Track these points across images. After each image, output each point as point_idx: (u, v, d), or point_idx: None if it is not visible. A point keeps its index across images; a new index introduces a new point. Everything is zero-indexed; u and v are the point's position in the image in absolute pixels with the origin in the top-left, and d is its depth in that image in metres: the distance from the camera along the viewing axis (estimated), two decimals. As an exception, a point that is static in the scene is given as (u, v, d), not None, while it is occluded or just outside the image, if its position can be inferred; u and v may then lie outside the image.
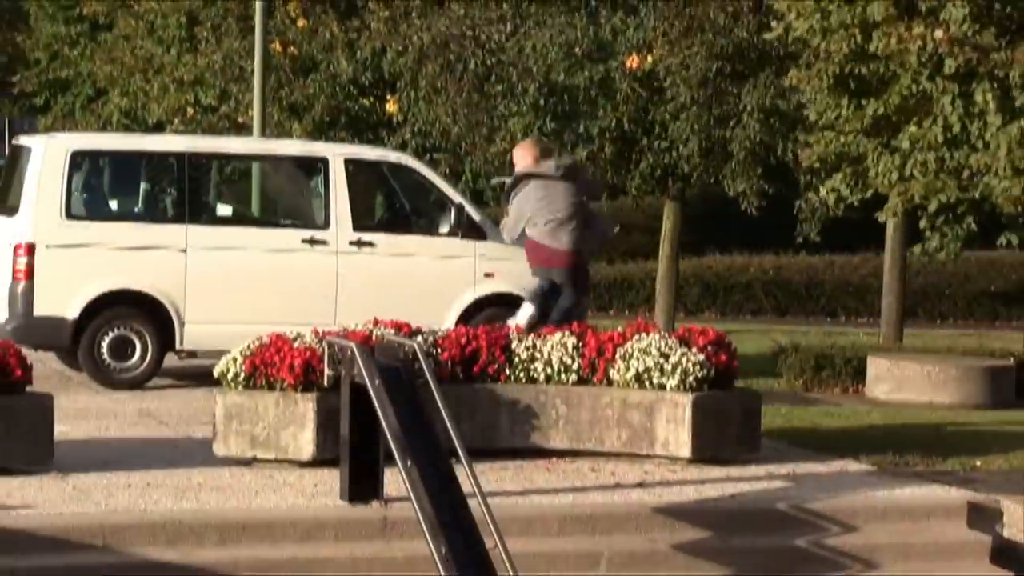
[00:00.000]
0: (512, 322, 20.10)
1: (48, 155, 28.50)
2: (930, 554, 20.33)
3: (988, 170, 25.46)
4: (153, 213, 29.08)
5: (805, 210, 35.03)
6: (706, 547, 19.85)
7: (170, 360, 27.59)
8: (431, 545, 16.83)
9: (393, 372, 19.38)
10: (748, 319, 36.56)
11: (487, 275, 27.66)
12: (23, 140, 31.40)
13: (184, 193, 29.55)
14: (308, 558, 18.88)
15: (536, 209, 20.63)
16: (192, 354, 26.74)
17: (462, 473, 17.92)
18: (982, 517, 20.68)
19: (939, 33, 25.22)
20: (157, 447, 22.55)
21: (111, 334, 27.50)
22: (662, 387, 22.26)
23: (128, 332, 27.50)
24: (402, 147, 36.01)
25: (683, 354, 22.46)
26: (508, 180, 20.84)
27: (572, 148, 37.95)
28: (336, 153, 29.59)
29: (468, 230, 28.17)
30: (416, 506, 17.42)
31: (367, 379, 19.21)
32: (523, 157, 19.29)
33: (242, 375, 21.88)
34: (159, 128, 54.17)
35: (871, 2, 25.96)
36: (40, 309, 27.17)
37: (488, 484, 18.17)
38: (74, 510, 19.46)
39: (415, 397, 19.03)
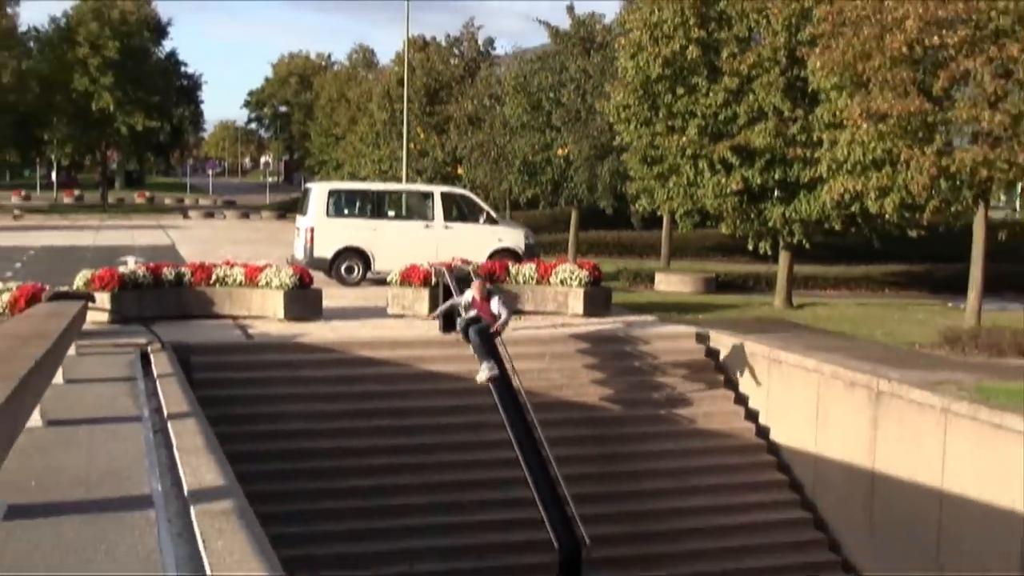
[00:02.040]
0: (479, 377, 16.42)
1: (318, 190, 28.56)
2: (680, 353, 20.35)
3: (705, 196, 25.40)
4: (363, 214, 28.81)
5: (635, 216, 34.91)
6: (589, 350, 19.92)
7: (369, 276, 27.59)
8: (475, 349, 16.95)
9: (462, 279, 19.50)
10: (607, 258, 36.27)
11: (499, 240, 27.66)
12: (309, 184, 31.44)
13: (375, 206, 29.59)
14: (425, 355, 19.03)
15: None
16: (378, 273, 26.69)
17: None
18: (701, 338, 20.74)
19: (684, 139, 25.14)
20: (365, 310, 22.53)
21: (345, 264, 27.51)
22: (571, 285, 22.33)
23: (352, 263, 27.51)
24: (464, 187, 35.85)
25: (579, 272, 22.53)
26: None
27: (534, 186, 38.04)
28: (437, 190, 29.62)
29: (490, 221, 28.18)
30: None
31: (449, 282, 19.30)
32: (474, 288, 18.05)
33: (398, 280, 21.95)
34: (364, 179, 54.00)
35: (654, 126, 25.91)
36: (317, 253, 27.22)
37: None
38: (329, 336, 19.60)
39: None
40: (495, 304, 16.83)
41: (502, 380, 16.31)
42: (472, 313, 17.04)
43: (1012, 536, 13.63)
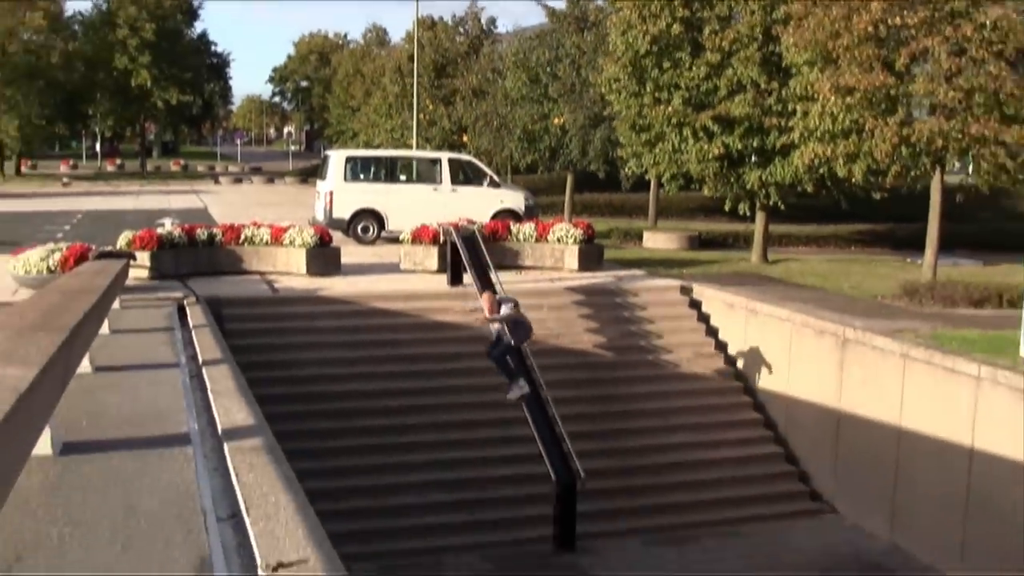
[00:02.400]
0: (509, 396, 15.14)
1: (337, 158, 28.35)
2: (666, 304, 20.39)
3: (688, 161, 25.39)
4: (377, 178, 28.59)
5: (625, 179, 34.76)
6: (583, 301, 19.93)
7: (383, 235, 27.51)
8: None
9: (467, 237, 19.45)
10: (599, 218, 36.14)
11: (501, 201, 27.56)
12: (328, 152, 31.20)
13: (388, 171, 29.30)
14: (435, 306, 19.03)
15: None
16: (391, 232, 26.58)
17: (493, 275, 18.07)
18: (685, 290, 20.77)
19: (670, 109, 25.09)
20: (379, 266, 22.51)
21: (361, 224, 27.40)
22: (567, 242, 22.33)
23: (368, 223, 27.39)
24: (469, 154, 35.75)
25: (574, 230, 22.53)
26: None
27: (533, 152, 38.06)
28: (445, 156, 29.42)
29: (493, 184, 28.04)
30: (476, 284, 17.58)
31: (457, 240, 19.28)
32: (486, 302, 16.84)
33: (410, 238, 21.93)
34: (378, 147, 53.76)
35: (642, 97, 25.88)
36: (335, 215, 27.08)
37: (503, 278, 18.25)
38: (347, 289, 19.61)
39: (475, 247, 19.08)
40: (504, 310, 15.15)
41: (531, 395, 15.25)
42: (494, 330, 15.51)
43: (960, 471, 13.74)
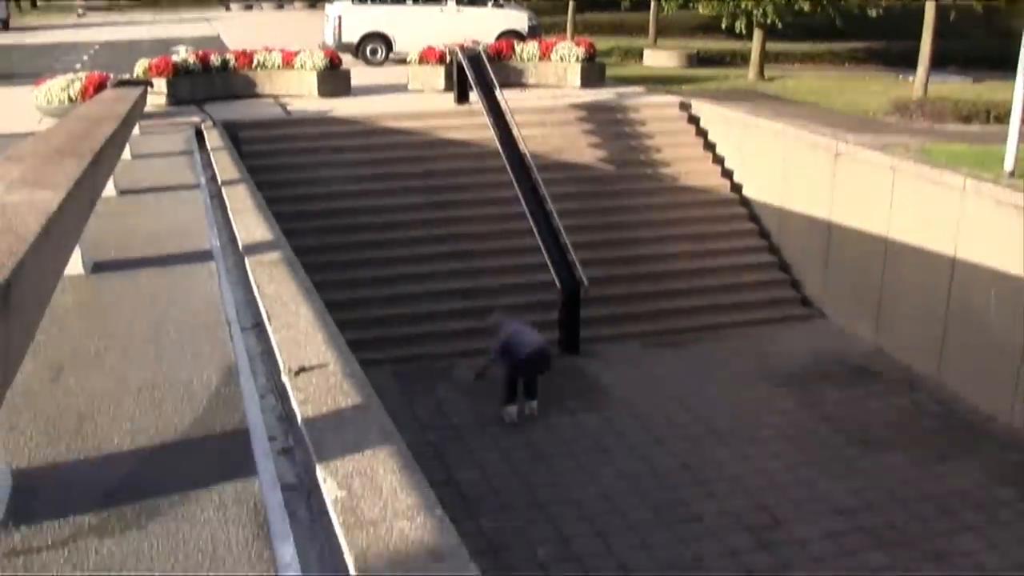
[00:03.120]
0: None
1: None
2: (665, 119, 20.16)
3: None
4: (384, 1, 27.83)
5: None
6: (585, 117, 19.66)
7: (391, 57, 27.04)
8: (490, 118, 16.85)
9: (473, 57, 19.16)
10: (600, 37, 35.24)
11: (505, 22, 26.97)
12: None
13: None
14: (443, 124, 18.84)
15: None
16: (399, 53, 26.11)
17: (498, 94, 17.83)
18: (684, 106, 20.50)
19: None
20: (388, 87, 22.14)
21: (370, 46, 26.94)
22: (569, 61, 21.99)
23: (376, 45, 26.91)
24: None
25: (577, 49, 22.16)
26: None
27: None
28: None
29: (497, 5, 27.37)
30: (482, 102, 17.40)
31: (463, 59, 18.98)
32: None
33: (417, 59, 21.62)
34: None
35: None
36: (344, 38, 26.61)
37: (507, 95, 18.00)
38: (357, 110, 19.40)
39: (481, 67, 18.81)
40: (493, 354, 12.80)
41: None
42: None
43: (942, 278, 13.84)
